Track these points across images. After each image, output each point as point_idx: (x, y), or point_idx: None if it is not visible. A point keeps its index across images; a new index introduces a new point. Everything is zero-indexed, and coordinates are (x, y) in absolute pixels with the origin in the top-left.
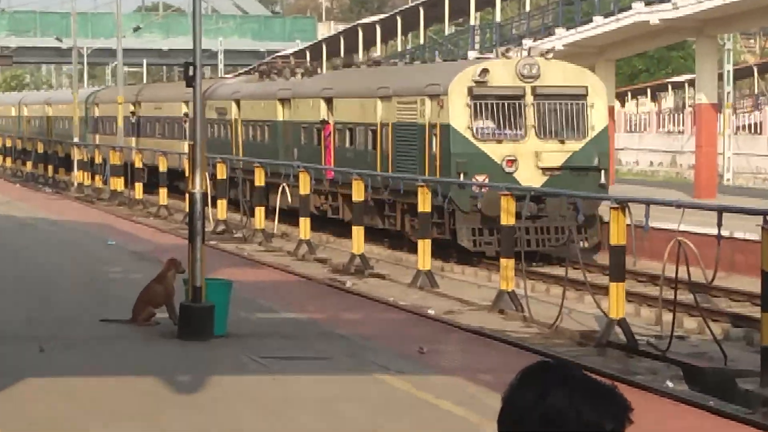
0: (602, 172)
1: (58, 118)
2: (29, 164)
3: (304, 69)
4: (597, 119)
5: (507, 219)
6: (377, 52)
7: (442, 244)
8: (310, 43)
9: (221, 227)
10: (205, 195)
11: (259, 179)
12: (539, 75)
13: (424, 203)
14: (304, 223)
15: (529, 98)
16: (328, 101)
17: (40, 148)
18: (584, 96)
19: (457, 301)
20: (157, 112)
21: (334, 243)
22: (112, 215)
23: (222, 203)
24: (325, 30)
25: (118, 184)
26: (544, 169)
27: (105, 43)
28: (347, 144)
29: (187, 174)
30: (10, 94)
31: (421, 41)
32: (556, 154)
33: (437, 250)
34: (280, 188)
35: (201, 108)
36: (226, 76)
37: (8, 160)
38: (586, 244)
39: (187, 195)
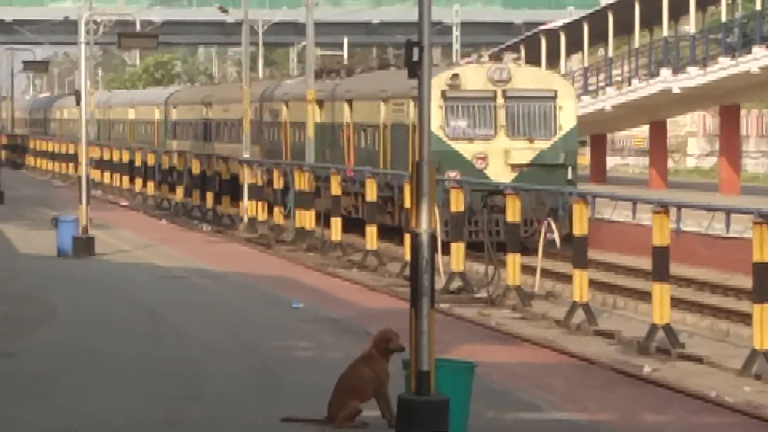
0: (569, 168)
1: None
2: (179, 191)
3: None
4: (565, 119)
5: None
6: (691, 22)
7: None
8: (590, 11)
9: (457, 283)
10: (434, 237)
11: (513, 212)
12: (510, 79)
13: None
14: (580, 277)
15: (500, 100)
16: (350, 103)
17: (195, 168)
18: (553, 98)
19: None
20: (224, 115)
21: (625, 308)
22: (299, 265)
23: (458, 248)
24: None
25: (306, 219)
26: (513, 166)
27: (288, 14)
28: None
29: (407, 205)
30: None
31: None
32: (524, 151)
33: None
34: (544, 225)
35: (428, 109)
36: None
37: (150, 185)
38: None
39: (407, 237)
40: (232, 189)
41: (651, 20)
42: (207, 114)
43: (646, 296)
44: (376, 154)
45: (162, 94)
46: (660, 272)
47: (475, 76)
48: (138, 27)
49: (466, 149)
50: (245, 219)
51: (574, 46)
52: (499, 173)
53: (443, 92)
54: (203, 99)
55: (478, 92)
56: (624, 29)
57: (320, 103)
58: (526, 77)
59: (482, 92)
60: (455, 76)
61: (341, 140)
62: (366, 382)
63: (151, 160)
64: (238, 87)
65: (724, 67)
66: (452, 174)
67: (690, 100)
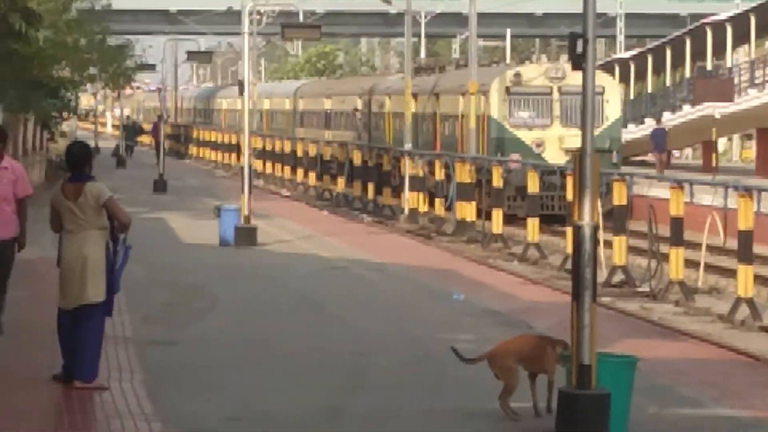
0: (614, 153)
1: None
2: (341, 182)
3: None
4: (611, 111)
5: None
6: None
7: None
8: (757, 3)
9: (619, 277)
10: (597, 229)
11: (677, 205)
12: (564, 76)
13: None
14: (745, 272)
15: (556, 95)
16: (436, 96)
17: (357, 159)
18: (600, 93)
19: None
20: (341, 106)
21: None
22: (459, 257)
23: (620, 242)
24: None
25: (467, 211)
26: (566, 150)
27: (451, 5)
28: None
29: (571, 197)
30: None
31: None
32: (576, 138)
33: None
34: (708, 219)
35: (591, 102)
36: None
37: (312, 176)
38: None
39: (570, 230)
40: (383, 180)
41: None
42: (327, 105)
43: None
44: (456, 141)
45: (292, 86)
46: None
47: (534, 74)
48: (301, 17)
49: (526, 136)
50: (406, 210)
51: (741, 39)
52: (554, 156)
53: (507, 88)
54: (325, 91)
55: (537, 88)
56: None
57: (415, 96)
58: (579, 75)
59: (540, 88)
60: (518, 74)
61: (431, 129)
62: (550, 361)
63: (312, 150)
64: (352, 81)
65: None
66: (514, 157)
67: None
